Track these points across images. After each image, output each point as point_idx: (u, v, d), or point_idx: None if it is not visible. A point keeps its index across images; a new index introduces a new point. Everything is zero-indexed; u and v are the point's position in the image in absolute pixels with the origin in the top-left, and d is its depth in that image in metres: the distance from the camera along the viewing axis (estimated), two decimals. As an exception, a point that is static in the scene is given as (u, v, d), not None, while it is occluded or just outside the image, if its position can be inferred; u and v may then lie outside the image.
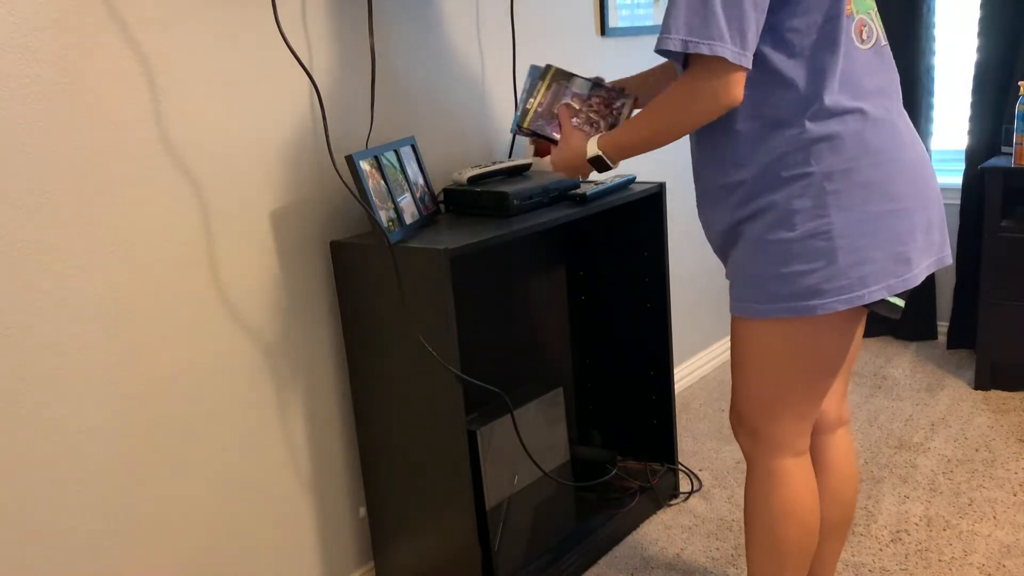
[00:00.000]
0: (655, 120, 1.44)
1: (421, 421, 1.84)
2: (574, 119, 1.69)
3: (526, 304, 2.40)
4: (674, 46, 1.32)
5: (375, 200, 1.76)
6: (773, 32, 1.38)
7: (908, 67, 3.23)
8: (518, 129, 1.73)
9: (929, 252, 1.48)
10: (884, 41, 1.48)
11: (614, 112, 1.72)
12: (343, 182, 1.83)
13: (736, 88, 1.34)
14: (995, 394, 2.96)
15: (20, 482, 1.47)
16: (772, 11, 1.36)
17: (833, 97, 1.40)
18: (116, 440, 1.60)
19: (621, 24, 2.70)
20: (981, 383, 2.99)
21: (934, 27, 3.21)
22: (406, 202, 1.87)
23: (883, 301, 1.44)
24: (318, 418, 1.95)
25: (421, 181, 1.98)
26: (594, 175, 2.50)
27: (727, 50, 1.30)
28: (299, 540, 1.94)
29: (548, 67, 1.75)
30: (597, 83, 1.74)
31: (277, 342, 1.85)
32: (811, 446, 1.71)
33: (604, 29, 2.65)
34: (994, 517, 2.24)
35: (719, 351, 3.42)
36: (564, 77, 1.74)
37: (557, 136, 1.70)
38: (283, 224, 1.84)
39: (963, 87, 3.27)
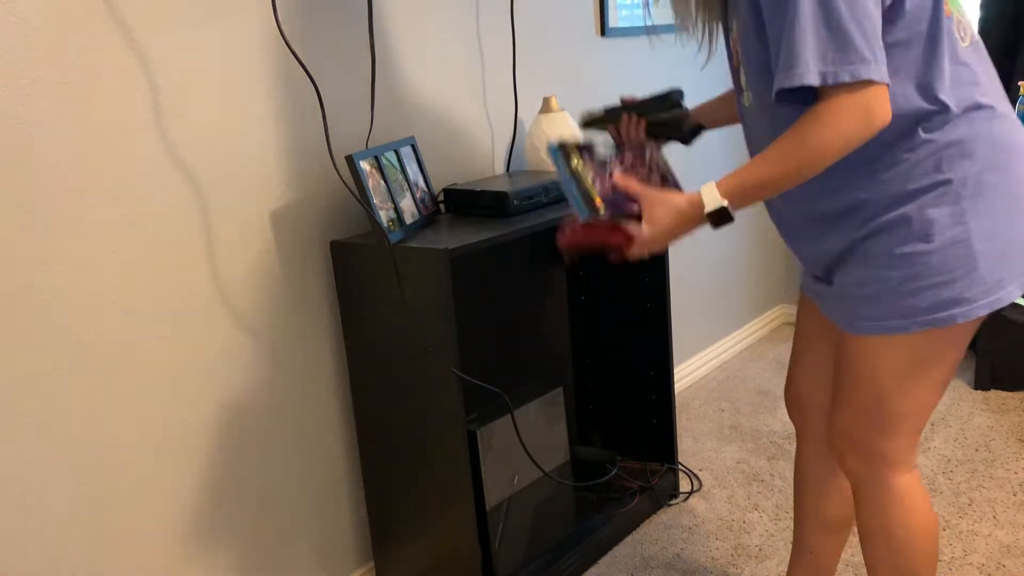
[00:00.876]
0: (793, 156, 1.29)
1: (421, 421, 1.84)
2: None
3: (526, 304, 2.40)
4: (813, 80, 1.21)
5: (375, 200, 1.76)
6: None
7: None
8: (594, 220, 1.43)
9: None
10: (977, 36, 1.41)
11: (650, 164, 1.53)
12: (343, 182, 1.83)
13: (886, 105, 1.24)
14: (995, 394, 2.96)
15: (20, 482, 1.48)
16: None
17: (952, 100, 1.33)
18: (115, 440, 1.60)
19: (621, 24, 2.70)
20: (981, 383, 2.99)
21: (934, 27, 3.21)
22: (406, 202, 1.87)
23: (1013, 303, 1.40)
24: (318, 417, 1.95)
25: (421, 181, 1.98)
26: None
27: (872, 70, 1.20)
28: (299, 540, 1.94)
29: (564, 144, 1.47)
30: (610, 141, 1.52)
31: (277, 342, 1.85)
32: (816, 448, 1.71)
33: (604, 29, 2.65)
34: (994, 517, 2.24)
35: (719, 351, 3.42)
36: (583, 148, 1.48)
37: (636, 209, 1.43)
38: (283, 224, 1.84)
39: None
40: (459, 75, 2.20)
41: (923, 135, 1.33)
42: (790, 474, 2.53)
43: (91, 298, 1.54)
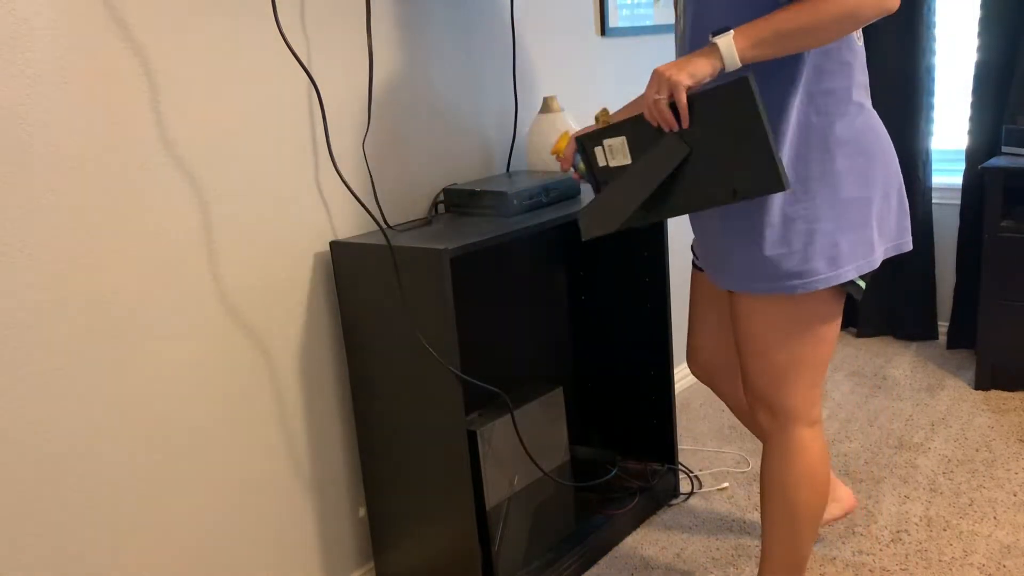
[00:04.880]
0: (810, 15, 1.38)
1: (421, 421, 1.84)
2: None
3: (526, 304, 2.40)
4: None
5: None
6: None
7: (908, 67, 3.23)
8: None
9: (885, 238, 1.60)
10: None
11: None
12: (343, 182, 1.83)
13: None
14: (995, 394, 2.96)
15: (21, 482, 1.48)
16: None
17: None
18: (116, 440, 1.60)
19: (621, 24, 2.70)
20: (981, 383, 2.99)
21: (934, 27, 3.21)
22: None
23: (852, 282, 1.55)
24: (318, 418, 1.95)
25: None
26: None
27: None
28: (299, 540, 1.94)
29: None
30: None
31: (277, 342, 1.85)
32: None
33: (604, 29, 2.65)
34: (994, 517, 2.24)
35: (719, 351, 3.42)
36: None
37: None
38: (283, 224, 1.84)
39: (963, 87, 3.27)
40: (459, 75, 2.20)
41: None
42: (790, 474, 2.53)
43: (91, 299, 1.54)
